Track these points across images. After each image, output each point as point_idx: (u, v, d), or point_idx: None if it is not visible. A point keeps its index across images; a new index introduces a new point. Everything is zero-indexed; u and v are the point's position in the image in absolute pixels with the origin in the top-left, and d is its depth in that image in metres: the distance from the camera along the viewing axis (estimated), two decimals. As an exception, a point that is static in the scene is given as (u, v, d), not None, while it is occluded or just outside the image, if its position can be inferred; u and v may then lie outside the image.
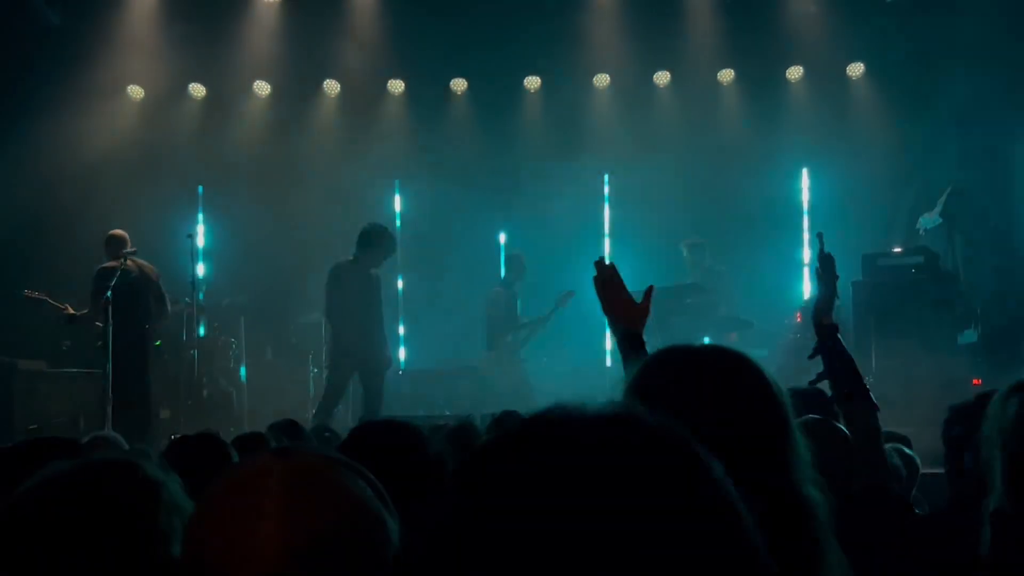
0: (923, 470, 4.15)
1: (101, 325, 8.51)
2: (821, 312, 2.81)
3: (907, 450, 4.09)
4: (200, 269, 11.84)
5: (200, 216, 12.48)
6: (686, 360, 1.49)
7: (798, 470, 1.41)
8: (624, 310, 2.79)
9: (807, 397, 3.36)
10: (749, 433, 1.36)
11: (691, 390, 1.41)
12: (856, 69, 11.91)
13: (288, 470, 1.16)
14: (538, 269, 11.41)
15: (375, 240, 9.14)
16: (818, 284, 2.98)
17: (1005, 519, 1.70)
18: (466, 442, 3.36)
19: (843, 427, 2.92)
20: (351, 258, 9.18)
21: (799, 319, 10.77)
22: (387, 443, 2.47)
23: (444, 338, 12.38)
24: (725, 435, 1.03)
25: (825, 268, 2.97)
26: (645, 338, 2.76)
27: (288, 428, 4.97)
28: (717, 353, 1.51)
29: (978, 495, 2.42)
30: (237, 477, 1.19)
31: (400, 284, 12.61)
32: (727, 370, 1.46)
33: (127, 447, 4.22)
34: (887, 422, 2.73)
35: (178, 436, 3.43)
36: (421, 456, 2.51)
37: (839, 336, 2.73)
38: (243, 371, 11.14)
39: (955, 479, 2.59)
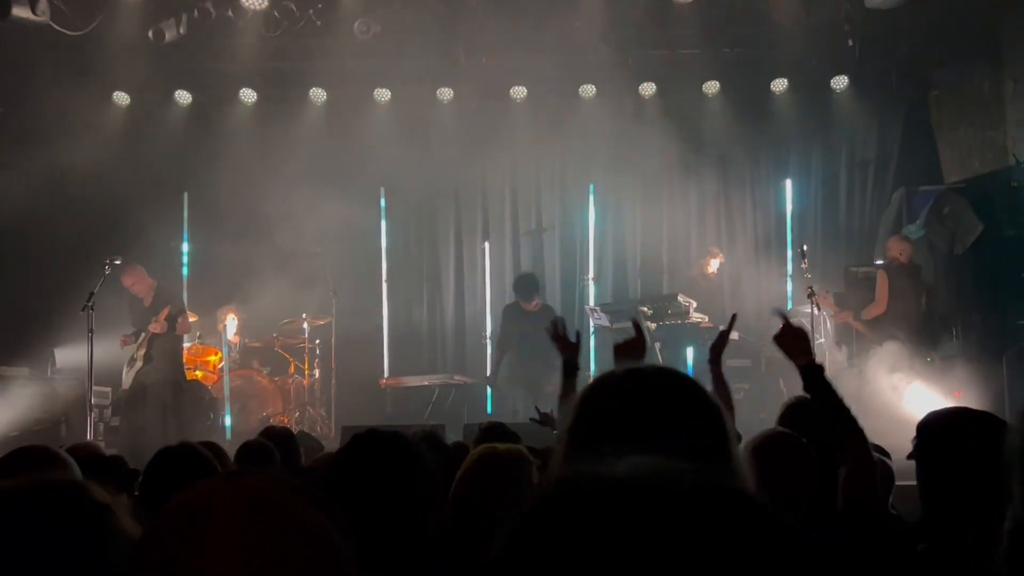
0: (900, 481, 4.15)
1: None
2: (796, 353, 2.76)
3: (888, 461, 4.10)
4: (184, 275, 11.85)
5: (185, 223, 12.47)
6: (626, 383, 1.54)
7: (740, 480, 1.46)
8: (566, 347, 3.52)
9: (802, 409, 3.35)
10: (694, 446, 1.40)
11: (632, 410, 1.46)
12: (840, 82, 11.97)
13: (235, 498, 1.09)
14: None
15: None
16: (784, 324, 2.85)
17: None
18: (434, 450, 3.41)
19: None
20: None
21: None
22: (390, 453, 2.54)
23: (427, 347, 12.41)
24: (673, 449, 1.05)
25: (782, 312, 2.94)
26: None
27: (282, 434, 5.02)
28: (656, 373, 1.56)
29: (954, 512, 2.44)
30: (182, 504, 1.11)
31: (384, 292, 12.60)
32: (665, 388, 1.51)
33: (104, 455, 4.21)
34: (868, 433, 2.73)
35: (161, 448, 3.43)
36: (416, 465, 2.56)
37: (824, 375, 2.70)
38: (227, 379, 11.12)
39: (924, 494, 2.61)
